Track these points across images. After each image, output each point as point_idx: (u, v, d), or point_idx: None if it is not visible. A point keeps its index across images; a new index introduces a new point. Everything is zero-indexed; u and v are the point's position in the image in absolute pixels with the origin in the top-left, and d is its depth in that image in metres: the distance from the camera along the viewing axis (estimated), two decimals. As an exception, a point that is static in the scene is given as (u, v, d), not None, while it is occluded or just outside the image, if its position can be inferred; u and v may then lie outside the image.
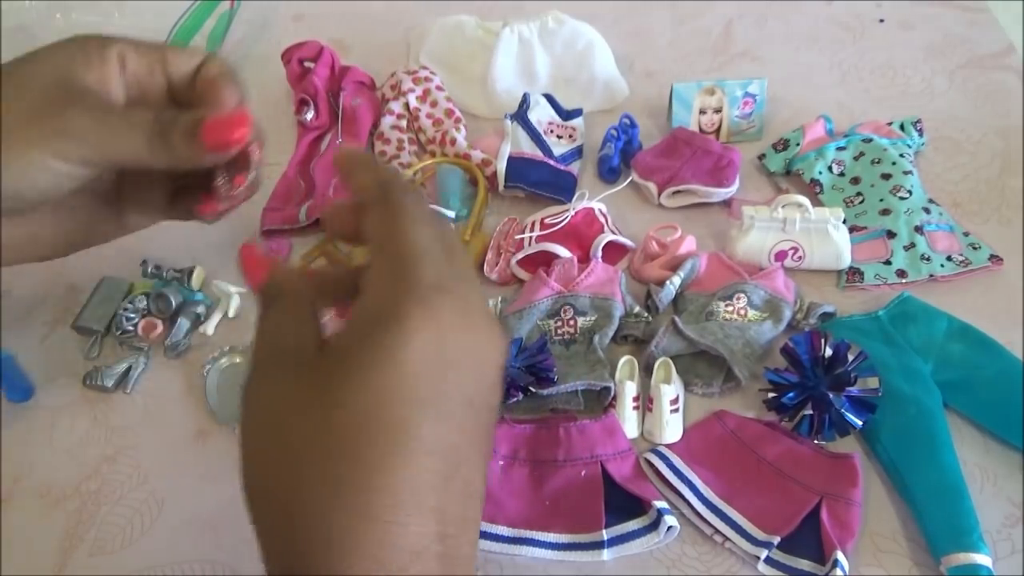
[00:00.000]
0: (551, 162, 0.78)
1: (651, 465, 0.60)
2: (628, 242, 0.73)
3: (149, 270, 0.72)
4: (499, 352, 0.34)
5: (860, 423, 0.60)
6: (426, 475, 0.30)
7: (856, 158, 0.78)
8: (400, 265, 0.32)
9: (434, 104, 0.85)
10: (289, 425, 0.32)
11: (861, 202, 0.75)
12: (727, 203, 0.77)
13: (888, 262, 0.71)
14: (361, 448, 0.30)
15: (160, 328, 0.70)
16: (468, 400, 0.32)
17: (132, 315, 0.70)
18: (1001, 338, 0.65)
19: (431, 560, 0.30)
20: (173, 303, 0.70)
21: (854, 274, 0.71)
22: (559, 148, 0.80)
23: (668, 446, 0.62)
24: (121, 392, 0.68)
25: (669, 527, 0.56)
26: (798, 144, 0.79)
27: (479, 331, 0.33)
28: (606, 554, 0.57)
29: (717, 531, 0.58)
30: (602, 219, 0.73)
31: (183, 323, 0.70)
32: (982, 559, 0.54)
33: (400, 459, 0.30)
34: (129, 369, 0.68)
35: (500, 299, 0.70)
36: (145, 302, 0.71)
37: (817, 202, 0.76)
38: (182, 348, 0.70)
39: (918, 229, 0.72)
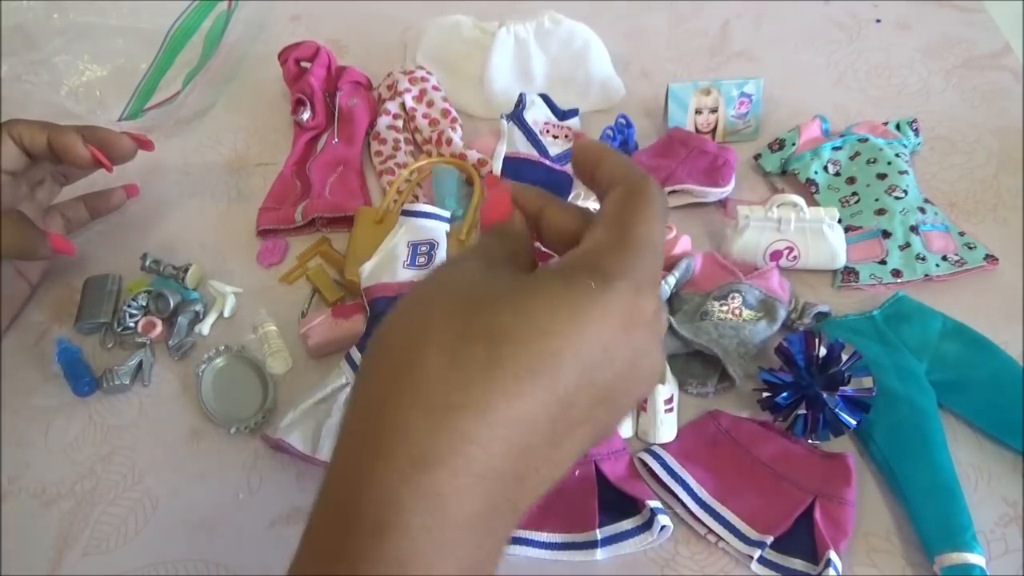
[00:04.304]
0: (547, 162, 0.78)
1: (645, 465, 0.60)
2: (623, 242, 0.73)
3: (148, 263, 0.73)
4: (647, 387, 0.36)
5: (854, 423, 0.60)
6: (538, 414, 0.30)
7: (852, 158, 0.78)
8: (631, 243, 0.33)
9: (430, 104, 0.85)
10: (469, 281, 0.33)
11: (857, 202, 0.75)
12: (722, 203, 0.77)
13: (883, 262, 0.71)
14: (509, 350, 0.30)
15: (159, 327, 0.70)
16: (605, 391, 0.32)
17: (135, 311, 0.71)
18: (996, 338, 0.65)
19: (495, 483, 0.29)
20: (171, 303, 0.71)
21: (849, 274, 0.71)
22: (555, 148, 0.80)
23: (662, 445, 0.62)
24: (141, 385, 0.69)
25: (663, 527, 0.56)
26: (794, 144, 0.79)
27: (654, 354, 0.34)
28: (599, 553, 0.57)
29: (711, 531, 0.58)
30: (597, 219, 0.73)
31: (182, 323, 0.70)
32: (975, 559, 0.54)
33: (529, 384, 0.29)
34: (141, 363, 0.69)
35: (495, 299, 0.70)
36: (146, 300, 0.72)
37: (813, 202, 0.76)
38: (187, 347, 0.70)
39: (913, 229, 0.72)
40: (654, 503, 0.57)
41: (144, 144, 0.71)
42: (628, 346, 0.32)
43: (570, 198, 0.75)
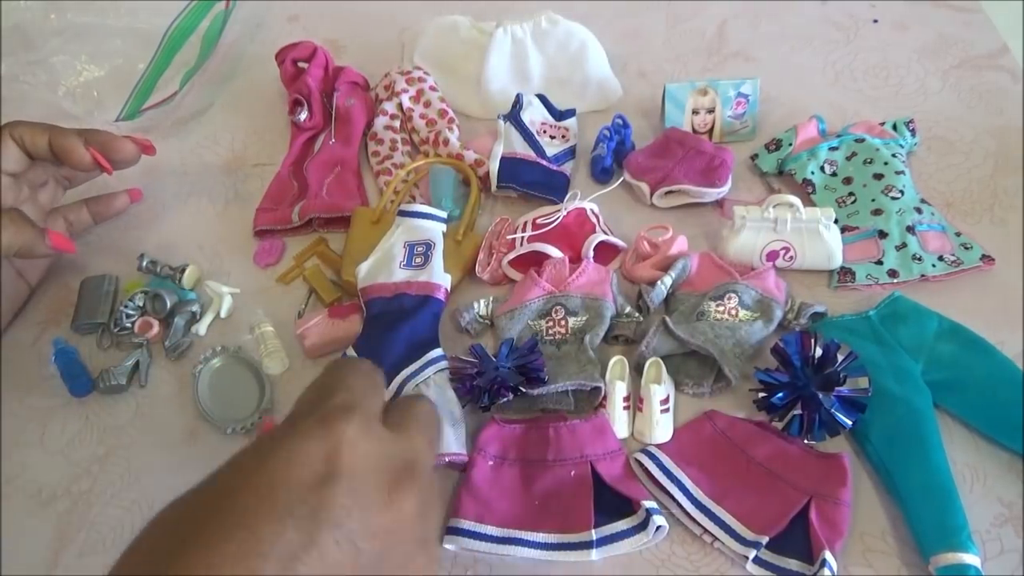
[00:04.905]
0: (544, 162, 0.78)
1: (641, 465, 0.60)
2: (620, 242, 0.73)
3: (144, 264, 0.73)
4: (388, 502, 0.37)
5: (850, 423, 0.60)
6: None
7: (848, 158, 0.78)
8: (315, 388, 0.41)
9: (427, 104, 0.85)
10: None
11: (853, 202, 0.75)
12: (719, 203, 0.77)
13: (880, 262, 0.71)
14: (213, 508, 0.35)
15: (156, 328, 0.70)
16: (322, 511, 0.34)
17: (132, 312, 0.71)
18: (992, 338, 0.65)
19: None
20: (168, 303, 0.71)
21: (845, 274, 0.71)
22: (552, 148, 0.80)
23: (658, 446, 0.62)
24: (138, 386, 0.69)
25: (658, 527, 0.57)
26: (791, 144, 0.79)
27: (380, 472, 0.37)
28: (595, 554, 0.57)
29: (706, 531, 0.58)
30: (594, 219, 0.73)
31: (179, 323, 0.70)
32: (971, 559, 0.54)
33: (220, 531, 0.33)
34: (137, 363, 0.69)
35: (491, 299, 0.70)
36: (143, 300, 0.72)
37: (809, 202, 0.76)
38: (184, 348, 0.70)
39: (910, 229, 0.72)
40: (650, 503, 0.58)
41: (146, 148, 0.72)
42: (341, 473, 0.35)
43: (567, 198, 0.75)
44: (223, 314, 0.72)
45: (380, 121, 0.84)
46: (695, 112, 0.81)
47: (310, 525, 0.32)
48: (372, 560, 0.35)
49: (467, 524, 0.58)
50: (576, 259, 0.71)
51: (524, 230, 0.73)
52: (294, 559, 0.31)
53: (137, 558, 0.33)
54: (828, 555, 0.54)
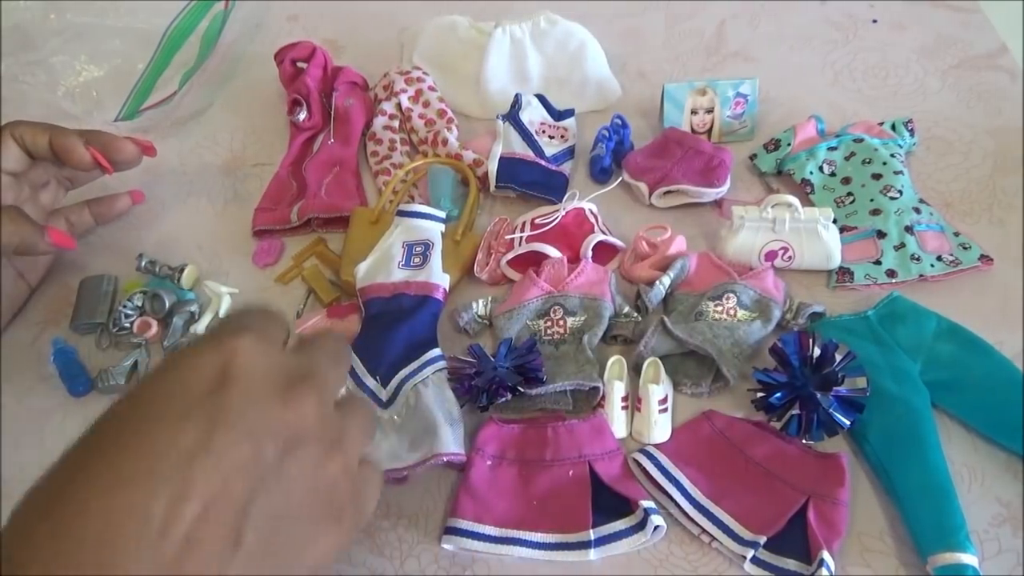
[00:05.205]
0: (543, 162, 0.78)
1: (639, 465, 0.60)
2: (618, 242, 0.73)
3: (143, 264, 0.73)
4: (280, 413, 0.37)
5: (848, 423, 0.60)
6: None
7: (847, 158, 0.78)
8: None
9: (426, 104, 0.85)
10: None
11: (852, 202, 0.75)
12: (718, 203, 0.77)
13: (878, 262, 0.71)
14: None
15: (154, 328, 0.70)
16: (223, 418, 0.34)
17: (130, 312, 0.71)
18: (990, 338, 0.65)
19: None
20: (167, 303, 0.71)
21: (844, 274, 0.71)
22: (551, 148, 0.80)
23: (656, 446, 0.62)
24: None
25: (656, 527, 0.57)
26: (789, 144, 0.79)
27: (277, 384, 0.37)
28: (593, 554, 0.57)
29: (704, 531, 0.58)
30: (592, 219, 0.74)
31: (177, 323, 0.70)
32: (968, 559, 0.54)
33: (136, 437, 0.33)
34: (136, 363, 0.69)
35: (490, 299, 0.70)
36: (142, 300, 0.72)
37: (808, 202, 0.76)
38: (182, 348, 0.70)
39: (908, 229, 0.72)
40: (648, 503, 0.58)
41: (147, 149, 0.72)
42: (234, 378, 0.35)
43: (565, 198, 0.75)
44: (222, 314, 0.72)
45: (379, 121, 0.84)
46: (694, 112, 0.82)
47: (207, 425, 0.33)
48: (278, 462, 0.35)
49: (465, 524, 0.58)
50: (575, 259, 0.71)
51: (523, 230, 0.73)
52: (191, 458, 0.32)
53: (39, 484, 0.34)
54: (826, 555, 0.54)
